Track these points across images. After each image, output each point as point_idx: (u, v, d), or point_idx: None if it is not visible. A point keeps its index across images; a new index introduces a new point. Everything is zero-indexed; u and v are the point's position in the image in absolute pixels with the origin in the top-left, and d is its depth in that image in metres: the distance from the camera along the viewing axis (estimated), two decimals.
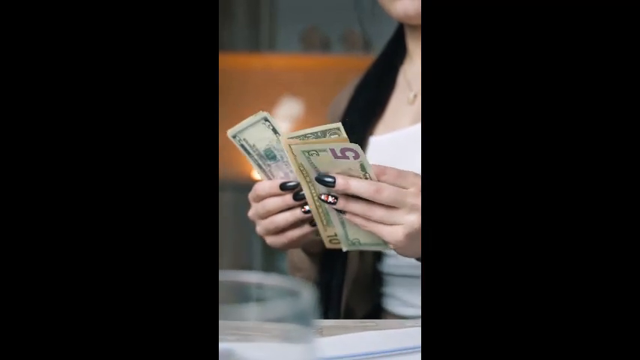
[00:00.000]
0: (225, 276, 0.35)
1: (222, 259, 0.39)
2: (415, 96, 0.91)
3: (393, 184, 0.64)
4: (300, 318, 0.33)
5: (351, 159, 0.62)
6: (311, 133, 0.62)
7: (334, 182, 0.63)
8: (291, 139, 0.63)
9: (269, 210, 0.71)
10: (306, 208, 0.71)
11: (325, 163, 0.63)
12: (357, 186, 0.63)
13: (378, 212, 0.64)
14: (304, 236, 0.74)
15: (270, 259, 2.49)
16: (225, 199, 2.46)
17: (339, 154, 0.62)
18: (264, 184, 0.71)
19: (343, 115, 0.96)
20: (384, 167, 0.64)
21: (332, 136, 0.61)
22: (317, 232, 0.72)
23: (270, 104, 2.44)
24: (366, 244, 0.72)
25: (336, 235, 0.73)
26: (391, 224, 0.64)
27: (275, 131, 0.65)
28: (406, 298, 0.87)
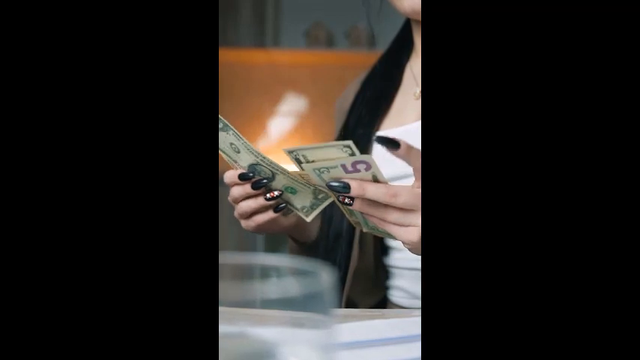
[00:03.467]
0: (242, 258, 0.35)
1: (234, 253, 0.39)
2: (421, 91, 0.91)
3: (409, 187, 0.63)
4: (317, 298, 0.33)
5: (363, 171, 0.62)
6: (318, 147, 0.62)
7: (348, 187, 0.62)
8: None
9: (235, 197, 0.77)
10: (268, 195, 0.75)
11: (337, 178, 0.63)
12: (373, 191, 0.62)
13: (394, 215, 0.64)
14: (272, 221, 0.78)
15: (272, 253, 2.49)
16: (227, 193, 2.46)
17: (350, 169, 0.61)
18: (230, 173, 0.76)
19: (350, 109, 0.96)
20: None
21: (344, 150, 0.61)
22: (285, 215, 0.75)
23: (274, 100, 2.44)
24: (384, 231, 0.72)
25: (357, 222, 0.74)
26: (407, 225, 0.64)
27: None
28: (412, 290, 0.88)
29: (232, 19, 2.62)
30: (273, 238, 2.51)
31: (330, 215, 0.91)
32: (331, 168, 0.61)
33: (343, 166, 0.61)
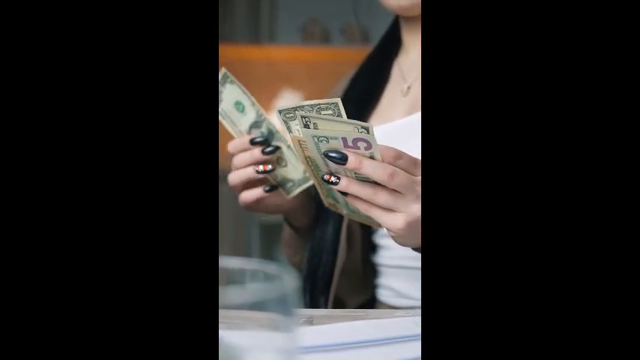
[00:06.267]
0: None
1: (221, 249, 0.39)
2: (409, 88, 0.91)
3: (406, 171, 0.62)
4: (281, 302, 0.32)
5: (362, 149, 0.59)
6: (308, 106, 0.60)
7: (345, 159, 0.59)
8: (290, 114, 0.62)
9: (235, 165, 0.76)
10: (259, 168, 0.75)
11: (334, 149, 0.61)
12: (371, 167, 0.59)
13: (383, 197, 0.61)
14: (260, 199, 0.78)
15: (269, 248, 2.49)
16: (224, 190, 2.46)
17: (350, 144, 0.59)
18: (235, 141, 0.75)
19: None
20: (401, 152, 0.62)
21: (326, 112, 0.60)
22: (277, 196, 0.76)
23: (270, 95, 2.44)
24: (365, 215, 0.70)
25: (335, 204, 0.74)
26: (394, 211, 0.62)
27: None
28: (400, 289, 0.87)
29: (228, 15, 2.61)
30: (270, 238, 2.51)
31: (317, 212, 0.91)
32: (331, 138, 0.59)
33: (344, 140, 0.59)
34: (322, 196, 0.74)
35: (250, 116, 0.71)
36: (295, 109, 0.63)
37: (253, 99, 0.74)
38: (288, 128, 0.66)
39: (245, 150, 0.75)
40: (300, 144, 0.62)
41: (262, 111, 0.74)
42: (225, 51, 2.40)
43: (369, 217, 0.71)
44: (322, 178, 0.64)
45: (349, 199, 0.64)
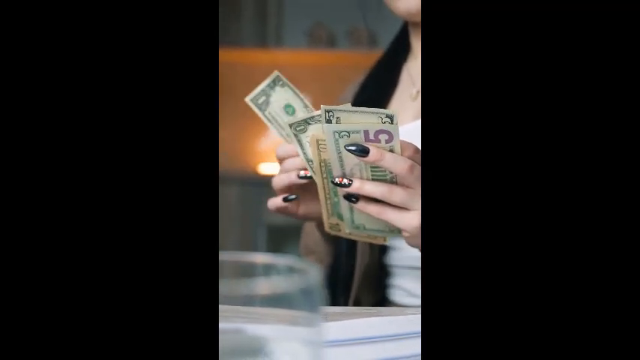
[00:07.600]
0: (232, 256, 0.36)
1: (227, 250, 0.39)
2: (418, 92, 0.92)
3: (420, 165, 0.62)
4: (306, 295, 0.33)
5: (383, 142, 0.60)
6: (318, 115, 0.60)
7: (367, 152, 0.60)
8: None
9: (285, 168, 0.73)
10: (301, 173, 0.71)
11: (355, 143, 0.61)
12: (392, 160, 0.60)
13: (399, 194, 0.62)
14: (285, 208, 0.75)
15: (275, 250, 2.49)
16: (230, 192, 2.47)
17: (372, 137, 0.60)
18: (285, 145, 0.72)
19: None
20: (418, 147, 0.62)
21: (384, 120, 0.59)
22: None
23: None
24: (371, 229, 0.71)
25: (337, 224, 0.73)
26: (408, 209, 0.62)
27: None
28: (411, 288, 0.88)
29: (235, 19, 2.62)
30: (275, 239, 2.51)
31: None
32: (352, 132, 0.59)
33: (365, 133, 0.59)
34: (325, 217, 0.72)
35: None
36: (306, 120, 0.63)
37: (306, 101, 0.71)
38: (299, 142, 0.65)
39: (296, 155, 0.71)
40: (319, 144, 0.62)
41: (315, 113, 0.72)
42: (232, 55, 2.42)
43: (373, 231, 0.71)
44: (333, 181, 0.64)
45: (359, 207, 0.64)
